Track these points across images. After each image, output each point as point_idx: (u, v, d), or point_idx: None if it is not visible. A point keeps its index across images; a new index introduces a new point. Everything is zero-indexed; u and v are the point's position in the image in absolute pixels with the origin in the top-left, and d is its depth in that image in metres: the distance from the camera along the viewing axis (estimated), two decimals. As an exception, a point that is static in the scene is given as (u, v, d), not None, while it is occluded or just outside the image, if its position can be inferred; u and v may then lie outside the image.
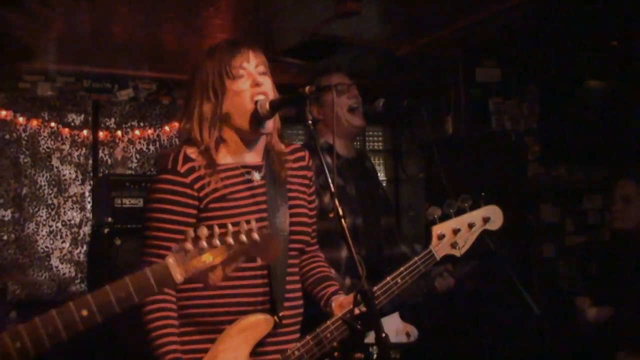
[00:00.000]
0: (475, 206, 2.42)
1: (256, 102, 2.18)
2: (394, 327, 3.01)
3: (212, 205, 2.15)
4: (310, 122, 2.08)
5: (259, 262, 2.12)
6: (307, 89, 2.09)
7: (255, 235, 1.58)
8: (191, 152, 2.19)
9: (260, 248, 1.59)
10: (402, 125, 6.56)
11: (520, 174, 5.26)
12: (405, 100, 3.43)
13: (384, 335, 1.80)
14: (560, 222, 5.90)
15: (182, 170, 2.15)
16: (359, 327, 1.86)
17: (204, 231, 1.55)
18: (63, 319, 1.45)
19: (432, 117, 5.69)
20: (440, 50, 5.63)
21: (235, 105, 2.20)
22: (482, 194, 2.44)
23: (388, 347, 1.75)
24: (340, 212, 1.96)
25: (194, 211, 2.14)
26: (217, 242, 1.55)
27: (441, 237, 2.35)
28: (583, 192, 5.93)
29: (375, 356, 2.39)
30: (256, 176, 2.25)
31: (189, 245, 1.53)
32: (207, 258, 1.54)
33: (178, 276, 1.52)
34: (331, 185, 2.00)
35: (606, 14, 4.87)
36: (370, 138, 6.88)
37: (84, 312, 1.46)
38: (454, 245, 2.37)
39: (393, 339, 2.95)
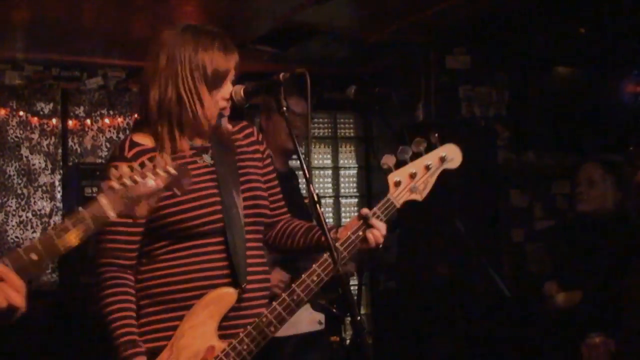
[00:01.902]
0: (430, 148, 2.33)
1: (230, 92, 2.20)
2: (307, 317, 3.01)
3: None
4: (285, 108, 2.09)
5: (217, 238, 2.18)
6: (281, 75, 2.10)
7: (171, 169, 1.70)
8: (138, 138, 2.20)
9: (177, 180, 1.72)
10: (373, 113, 6.58)
11: (489, 160, 5.31)
12: (376, 87, 3.45)
13: (359, 318, 1.82)
14: (529, 207, 5.98)
15: (129, 156, 2.16)
16: (334, 311, 1.88)
17: (125, 169, 1.66)
18: (15, 264, 1.55)
19: (403, 103, 5.73)
20: (411, 38, 5.66)
21: (201, 110, 2.20)
22: (436, 134, 2.36)
23: (363, 330, 1.78)
24: (316, 198, 1.97)
25: None
26: (138, 178, 1.66)
27: (398, 183, 2.26)
28: (552, 178, 6.01)
29: (348, 341, 2.42)
30: (206, 158, 2.27)
31: (114, 184, 1.64)
32: (132, 194, 1.65)
33: (111, 213, 1.62)
34: (305, 172, 2.02)
35: (574, 1, 4.93)
36: (341, 125, 6.89)
37: (34, 256, 1.56)
38: (413, 189, 2.28)
39: (306, 328, 2.99)
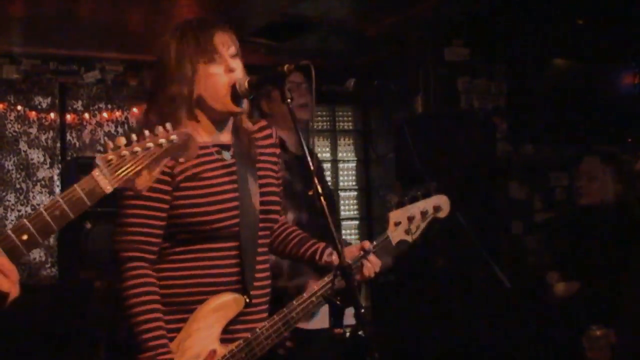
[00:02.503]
0: (426, 195, 2.53)
1: (234, 83, 2.18)
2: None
3: (184, 184, 2.14)
4: (289, 100, 2.09)
5: (231, 242, 2.17)
6: (285, 67, 2.09)
7: (173, 136, 1.63)
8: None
9: (180, 148, 1.65)
10: (372, 105, 6.57)
11: (488, 152, 5.31)
12: (375, 80, 3.45)
13: (362, 311, 1.82)
14: (528, 199, 5.99)
15: None
16: (338, 303, 1.88)
17: (122, 140, 1.59)
18: (5, 246, 1.50)
19: (402, 96, 5.72)
20: (409, 30, 5.65)
21: (208, 89, 2.18)
22: (433, 183, 2.57)
23: (367, 323, 1.78)
24: (320, 191, 1.97)
25: (169, 188, 2.13)
26: (137, 148, 1.59)
27: (397, 223, 2.45)
28: (550, 170, 6.02)
29: (348, 334, 2.43)
30: (226, 155, 2.25)
31: (111, 156, 1.58)
32: (131, 165, 1.59)
33: (108, 187, 1.57)
34: (310, 164, 2.01)
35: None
36: (340, 118, 6.89)
37: (25, 237, 1.50)
38: (407, 231, 2.47)
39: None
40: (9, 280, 1.49)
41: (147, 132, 1.62)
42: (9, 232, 1.51)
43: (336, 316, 1.92)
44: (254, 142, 2.32)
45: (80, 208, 1.55)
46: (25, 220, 1.52)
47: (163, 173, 2.04)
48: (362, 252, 2.34)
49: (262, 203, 2.27)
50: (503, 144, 5.83)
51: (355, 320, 1.82)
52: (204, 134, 2.23)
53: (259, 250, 2.26)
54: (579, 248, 3.78)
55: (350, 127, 6.93)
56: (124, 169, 1.57)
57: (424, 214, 2.49)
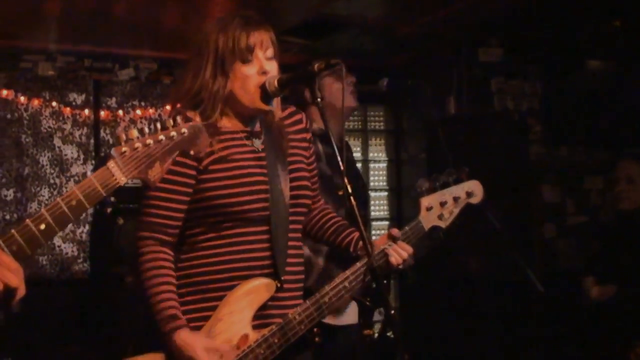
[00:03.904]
0: (458, 180, 2.51)
1: (264, 82, 2.18)
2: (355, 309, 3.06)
3: (213, 167, 2.17)
4: (319, 99, 2.08)
5: (262, 227, 2.18)
6: (316, 66, 2.09)
7: (183, 128, 1.67)
8: (191, 114, 2.16)
9: (190, 140, 1.68)
10: (404, 105, 6.53)
11: (522, 154, 5.25)
12: (409, 79, 3.43)
13: (393, 312, 1.80)
14: (561, 203, 5.91)
15: None
16: (367, 303, 1.87)
17: (134, 133, 1.63)
18: (24, 235, 1.53)
19: (434, 96, 5.68)
20: (443, 30, 5.61)
21: (239, 87, 2.20)
22: (466, 168, 2.55)
23: (398, 324, 1.76)
24: (350, 190, 1.96)
25: (192, 172, 2.16)
26: (149, 140, 1.63)
27: (429, 208, 2.44)
28: (584, 173, 5.94)
29: (376, 333, 2.42)
30: (256, 143, 2.27)
31: (124, 148, 1.61)
32: (143, 157, 1.62)
33: (122, 178, 1.60)
34: (341, 164, 2.01)
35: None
36: (371, 118, 6.85)
37: (42, 226, 1.53)
38: (440, 217, 2.46)
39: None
40: (15, 276, 1.50)
41: (158, 124, 1.67)
42: (28, 221, 1.54)
43: (366, 317, 1.90)
44: (284, 130, 2.33)
45: (95, 198, 1.59)
46: (43, 210, 1.55)
47: (188, 157, 2.08)
48: (389, 241, 2.32)
49: (292, 188, 2.27)
50: (536, 146, 5.76)
51: (385, 321, 1.81)
52: (232, 122, 2.25)
53: (290, 235, 2.26)
54: (617, 252, 3.73)
55: (382, 127, 6.89)
56: (136, 160, 1.61)
57: (456, 199, 2.49)
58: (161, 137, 1.64)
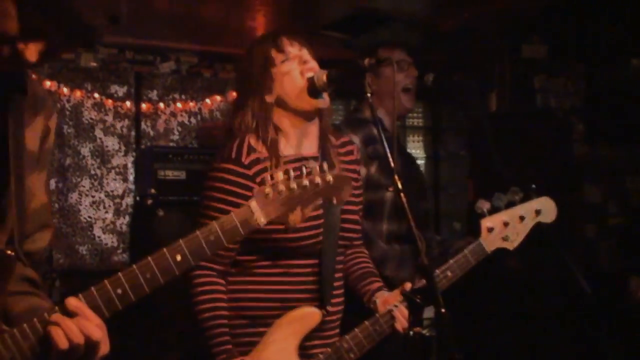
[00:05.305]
0: (526, 199, 2.40)
1: (312, 76, 2.17)
2: None
3: None
4: (369, 94, 2.06)
5: (313, 259, 2.19)
6: (366, 61, 2.07)
7: (329, 177, 1.66)
8: (254, 142, 2.17)
9: (334, 189, 1.67)
10: (446, 101, 6.48)
11: (565, 153, 5.18)
12: (455, 75, 3.36)
13: (443, 310, 1.78)
14: (603, 203, 5.82)
15: (246, 162, 2.15)
16: (418, 300, 1.85)
17: (280, 175, 1.62)
18: (159, 264, 1.51)
19: (479, 93, 5.63)
20: (485, 25, 5.55)
21: (285, 86, 2.20)
22: (533, 186, 2.43)
23: (448, 324, 1.74)
24: (400, 187, 1.94)
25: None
26: (293, 184, 1.62)
27: (490, 230, 2.34)
28: (626, 173, 5.83)
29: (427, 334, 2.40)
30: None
31: (268, 189, 1.61)
32: (286, 201, 1.62)
33: (262, 219, 1.60)
34: (390, 161, 1.98)
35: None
36: (410, 115, 6.81)
37: (178, 257, 1.53)
38: (505, 238, 2.36)
39: None
40: (99, 330, 1.46)
41: (304, 169, 1.66)
42: (165, 250, 1.53)
43: (415, 315, 1.89)
44: (338, 156, 2.32)
45: (233, 236, 1.59)
46: (181, 241, 1.55)
47: (251, 190, 2.06)
48: (392, 303, 2.26)
49: (342, 220, 2.27)
50: (578, 145, 5.68)
51: (436, 320, 1.79)
52: (288, 146, 2.24)
53: (337, 267, 2.27)
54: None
55: (421, 124, 6.85)
56: (278, 204, 1.61)
57: (522, 218, 2.38)
58: (306, 182, 1.64)
